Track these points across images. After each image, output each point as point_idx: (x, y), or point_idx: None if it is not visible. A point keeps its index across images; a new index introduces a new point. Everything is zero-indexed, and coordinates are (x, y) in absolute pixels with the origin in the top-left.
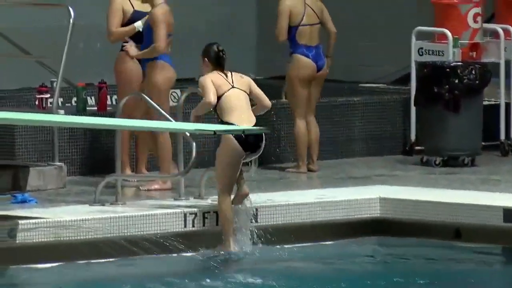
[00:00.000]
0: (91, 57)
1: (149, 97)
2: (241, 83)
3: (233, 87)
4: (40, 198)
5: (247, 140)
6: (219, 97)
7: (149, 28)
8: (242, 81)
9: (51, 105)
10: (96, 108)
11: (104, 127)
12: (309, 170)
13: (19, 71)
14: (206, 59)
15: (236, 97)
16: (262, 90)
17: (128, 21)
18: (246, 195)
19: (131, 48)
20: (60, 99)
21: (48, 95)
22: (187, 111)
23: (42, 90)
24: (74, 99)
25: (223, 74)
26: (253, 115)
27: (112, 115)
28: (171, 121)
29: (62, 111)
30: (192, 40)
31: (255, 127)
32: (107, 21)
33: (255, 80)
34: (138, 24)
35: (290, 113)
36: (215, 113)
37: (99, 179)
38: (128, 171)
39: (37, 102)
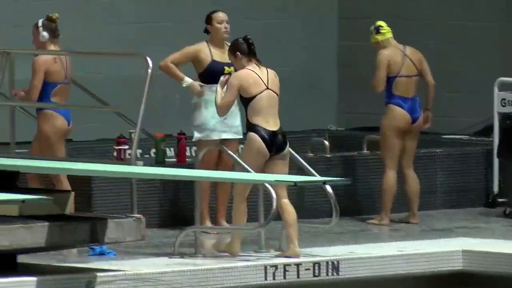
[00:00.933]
0: (170, 107)
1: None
2: (275, 84)
3: (267, 88)
4: (118, 251)
5: (273, 141)
6: (252, 97)
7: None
8: (276, 81)
9: (129, 156)
10: (175, 159)
11: (183, 178)
12: (409, 222)
13: (97, 122)
14: (238, 53)
15: (268, 100)
16: (343, 141)
17: (205, 70)
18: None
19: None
20: (139, 150)
21: (127, 146)
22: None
23: (120, 141)
24: (153, 150)
25: (257, 68)
26: (278, 119)
27: (191, 166)
28: (250, 172)
29: (141, 162)
30: None
31: (336, 179)
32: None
33: (335, 132)
34: (187, 82)
35: (371, 164)
36: (245, 108)
37: (178, 231)
38: (207, 223)
39: (115, 153)
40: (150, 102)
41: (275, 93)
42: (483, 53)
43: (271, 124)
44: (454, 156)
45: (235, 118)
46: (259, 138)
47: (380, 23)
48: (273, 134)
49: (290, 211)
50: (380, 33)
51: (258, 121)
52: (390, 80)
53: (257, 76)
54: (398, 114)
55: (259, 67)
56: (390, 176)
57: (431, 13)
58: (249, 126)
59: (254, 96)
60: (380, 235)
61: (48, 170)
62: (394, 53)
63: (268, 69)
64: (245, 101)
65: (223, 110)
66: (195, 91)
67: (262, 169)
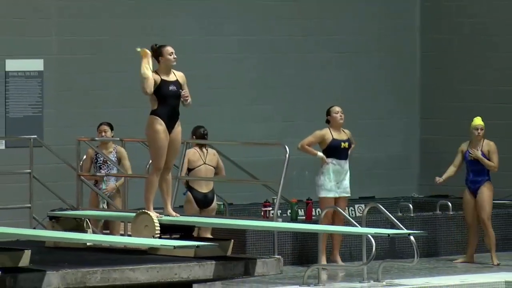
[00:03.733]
0: (302, 181)
1: None
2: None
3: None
4: (263, 281)
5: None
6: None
7: None
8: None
9: (272, 215)
10: (304, 217)
11: (309, 231)
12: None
13: (249, 191)
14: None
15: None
16: (423, 204)
17: (327, 147)
18: None
19: None
20: (279, 211)
21: (270, 208)
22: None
23: (266, 205)
24: (289, 211)
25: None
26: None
27: (316, 222)
28: (356, 226)
29: (280, 219)
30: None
31: (417, 231)
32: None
33: (417, 198)
34: (320, 155)
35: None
36: None
37: (306, 267)
38: (323, 261)
39: (262, 213)
40: (288, 177)
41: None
42: None
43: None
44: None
45: (346, 180)
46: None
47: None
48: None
49: None
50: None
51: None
52: None
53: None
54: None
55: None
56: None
57: None
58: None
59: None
60: (447, 270)
61: (215, 225)
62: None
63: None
64: None
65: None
66: (322, 161)
67: None
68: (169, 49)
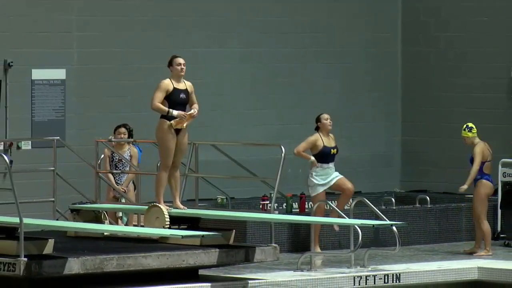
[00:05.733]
0: (296, 178)
1: None
2: None
3: None
4: (262, 267)
5: None
6: None
7: None
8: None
9: (270, 208)
10: (298, 210)
11: (303, 222)
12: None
13: (249, 187)
14: None
15: None
16: (404, 198)
17: (318, 152)
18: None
19: None
20: (275, 204)
21: (268, 202)
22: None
23: (264, 199)
24: (284, 204)
25: None
26: None
27: (308, 214)
28: (344, 217)
29: (276, 212)
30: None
31: (399, 222)
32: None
33: (399, 193)
34: (312, 159)
35: (421, 214)
36: None
37: (300, 254)
38: (317, 249)
39: (261, 206)
40: (284, 174)
41: None
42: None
43: None
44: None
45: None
46: None
47: (471, 124)
48: None
49: None
50: (471, 132)
51: None
52: (482, 164)
53: None
54: (488, 185)
55: None
56: (486, 224)
57: None
58: None
59: None
60: (426, 257)
61: (218, 217)
62: (483, 148)
63: None
64: None
65: None
66: (313, 164)
67: None
68: (178, 60)
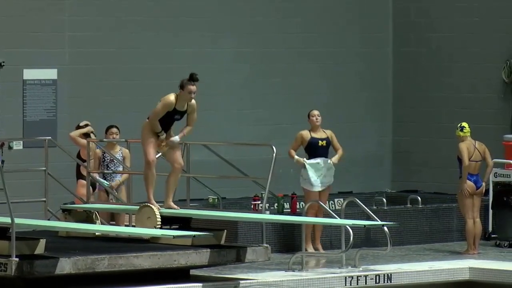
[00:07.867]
0: (287, 178)
1: None
2: None
3: None
4: (253, 267)
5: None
6: None
7: None
8: None
9: (261, 208)
10: (289, 210)
11: (294, 222)
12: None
13: (240, 187)
14: None
15: None
16: (395, 199)
17: (307, 145)
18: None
19: None
20: (267, 204)
21: (259, 202)
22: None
23: (255, 199)
24: (276, 204)
25: None
26: None
27: (300, 214)
28: (336, 218)
29: (268, 212)
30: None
31: (390, 223)
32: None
33: (390, 193)
34: (296, 158)
35: (412, 214)
36: None
37: (291, 254)
38: (309, 249)
39: (252, 206)
40: (275, 174)
41: None
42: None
43: None
44: None
45: (328, 177)
46: None
47: (464, 124)
48: None
49: None
50: (462, 131)
51: None
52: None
53: None
54: (469, 185)
55: None
56: (469, 223)
57: None
58: None
59: None
60: (417, 257)
61: (210, 217)
62: (469, 145)
63: None
64: None
65: None
66: (299, 162)
67: None
68: (190, 88)
